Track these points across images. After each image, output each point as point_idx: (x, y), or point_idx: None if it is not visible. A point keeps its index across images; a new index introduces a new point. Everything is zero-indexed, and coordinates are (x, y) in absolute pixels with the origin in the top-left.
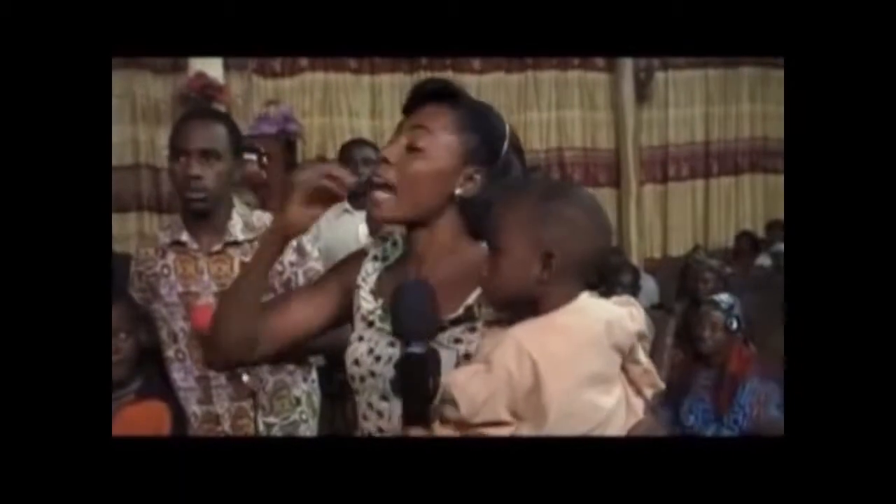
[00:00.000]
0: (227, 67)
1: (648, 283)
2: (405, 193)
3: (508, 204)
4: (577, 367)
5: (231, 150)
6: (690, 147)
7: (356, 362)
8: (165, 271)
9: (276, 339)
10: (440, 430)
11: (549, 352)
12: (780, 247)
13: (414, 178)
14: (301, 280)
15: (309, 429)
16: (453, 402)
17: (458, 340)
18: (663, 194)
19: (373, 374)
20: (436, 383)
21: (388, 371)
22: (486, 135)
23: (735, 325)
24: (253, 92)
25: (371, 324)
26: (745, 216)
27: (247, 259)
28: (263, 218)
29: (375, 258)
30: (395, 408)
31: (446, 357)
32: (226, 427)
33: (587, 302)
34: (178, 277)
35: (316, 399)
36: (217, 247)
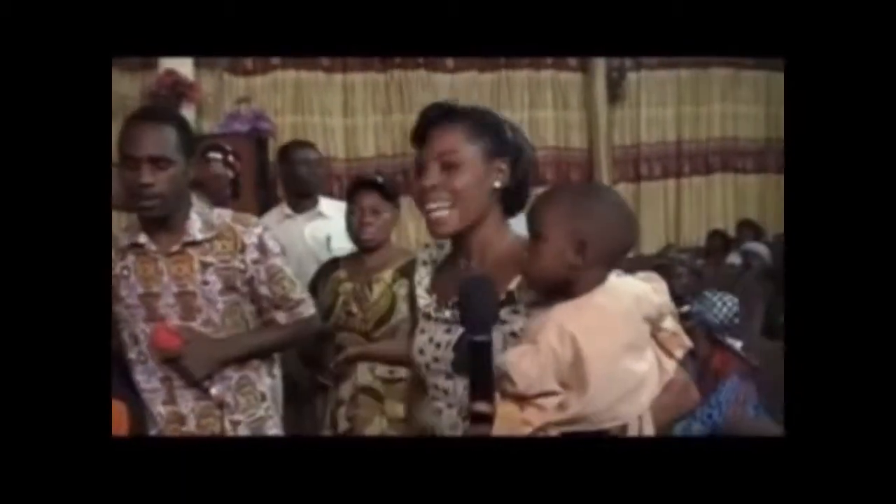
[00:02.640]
0: (197, 65)
1: None
2: (461, 206)
3: (550, 199)
4: (612, 339)
5: (183, 152)
6: (662, 146)
7: (421, 352)
8: (125, 273)
9: None
10: (501, 405)
11: (587, 328)
12: (751, 245)
13: (463, 190)
14: (263, 276)
15: (275, 425)
16: (510, 379)
17: (503, 321)
18: (636, 193)
19: (436, 359)
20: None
21: (448, 354)
22: (492, 131)
23: (718, 322)
24: (224, 90)
25: (428, 316)
26: (717, 215)
27: (206, 258)
28: (224, 216)
29: (425, 263)
30: (458, 384)
31: (494, 337)
32: (191, 427)
33: (616, 282)
34: (138, 279)
35: (280, 394)
36: (175, 247)
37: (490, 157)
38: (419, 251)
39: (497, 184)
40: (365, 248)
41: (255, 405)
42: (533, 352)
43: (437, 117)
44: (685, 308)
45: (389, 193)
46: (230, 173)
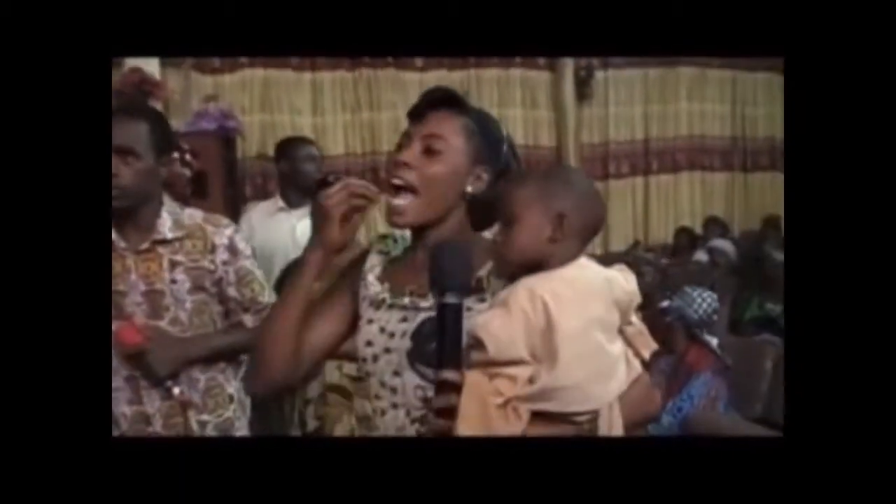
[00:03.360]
0: (163, 63)
1: None
2: (426, 195)
3: (517, 183)
4: (585, 310)
5: (153, 149)
6: (630, 145)
7: (369, 343)
8: None
9: (313, 355)
10: (469, 374)
11: (559, 294)
12: (717, 242)
13: (434, 179)
14: (232, 278)
15: (242, 426)
16: (480, 344)
17: (469, 309)
18: (604, 191)
19: (387, 350)
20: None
21: (405, 343)
22: (489, 138)
23: (696, 317)
24: (191, 88)
25: (380, 305)
26: (684, 213)
27: (176, 257)
28: (195, 216)
29: (380, 252)
30: (407, 382)
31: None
32: (157, 427)
33: (588, 262)
34: None
35: (247, 396)
36: (145, 245)
37: (475, 160)
38: (373, 241)
39: (470, 189)
40: None
41: (224, 406)
42: (503, 314)
43: (441, 100)
44: (665, 303)
45: None
46: (187, 172)
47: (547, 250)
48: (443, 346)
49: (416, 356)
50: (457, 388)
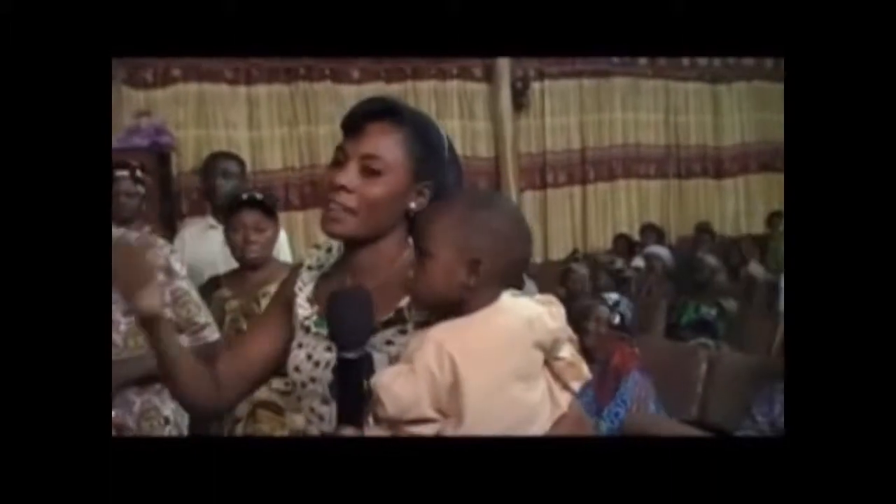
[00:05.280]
0: None
1: (530, 287)
2: (366, 216)
3: (437, 211)
4: (498, 363)
5: None
6: (567, 154)
7: (297, 369)
8: None
9: (240, 378)
10: (373, 430)
11: (469, 350)
12: (653, 249)
13: (375, 201)
14: (168, 299)
15: None
16: (381, 403)
17: (389, 342)
18: (542, 200)
19: (313, 379)
20: (369, 386)
21: (327, 375)
22: (429, 146)
23: (618, 319)
24: (122, 103)
25: (308, 330)
26: (621, 220)
27: None
28: (128, 237)
29: (310, 267)
30: (335, 411)
31: (378, 359)
32: None
33: (509, 302)
34: None
35: (182, 418)
36: None
37: (417, 177)
38: (306, 253)
39: (413, 205)
40: (250, 266)
41: (159, 429)
42: (408, 373)
43: (378, 112)
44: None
45: (271, 210)
46: (140, 189)
47: (461, 295)
48: (343, 402)
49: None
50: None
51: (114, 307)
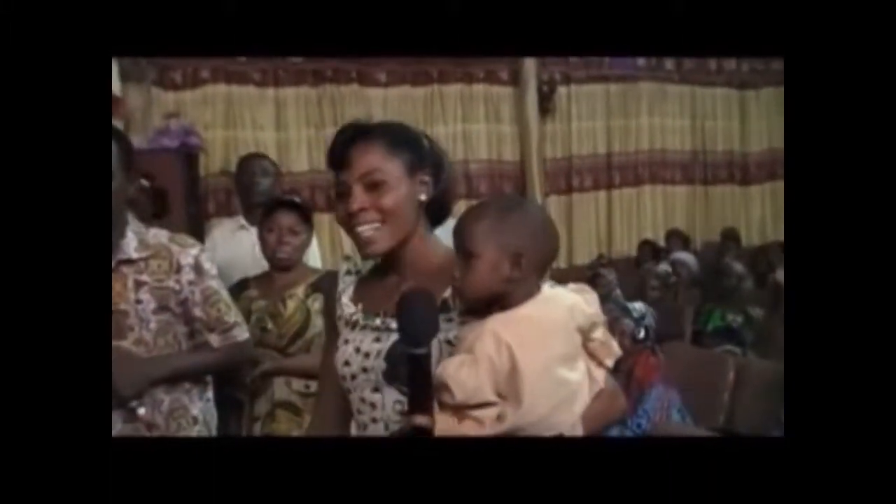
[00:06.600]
0: (124, 79)
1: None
2: (392, 224)
3: (474, 217)
4: (547, 348)
5: (121, 168)
6: (593, 159)
7: (346, 363)
8: None
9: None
10: (439, 417)
11: (523, 338)
12: (679, 255)
13: (392, 208)
14: (198, 298)
15: None
16: (449, 390)
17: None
18: (567, 205)
19: (364, 369)
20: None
21: (379, 364)
22: (409, 143)
23: (643, 334)
24: (152, 104)
25: (354, 325)
26: (646, 226)
27: (141, 277)
28: (160, 236)
29: (349, 272)
30: (387, 397)
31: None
32: None
33: (551, 292)
34: None
35: (212, 417)
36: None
37: (412, 170)
38: (341, 262)
39: (423, 196)
40: (279, 267)
41: (188, 429)
42: (471, 362)
43: (353, 137)
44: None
45: (307, 214)
46: (144, 196)
47: (506, 288)
48: (413, 393)
49: (390, 377)
50: (428, 432)
51: (144, 306)
